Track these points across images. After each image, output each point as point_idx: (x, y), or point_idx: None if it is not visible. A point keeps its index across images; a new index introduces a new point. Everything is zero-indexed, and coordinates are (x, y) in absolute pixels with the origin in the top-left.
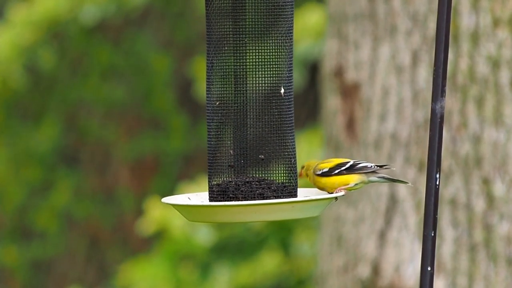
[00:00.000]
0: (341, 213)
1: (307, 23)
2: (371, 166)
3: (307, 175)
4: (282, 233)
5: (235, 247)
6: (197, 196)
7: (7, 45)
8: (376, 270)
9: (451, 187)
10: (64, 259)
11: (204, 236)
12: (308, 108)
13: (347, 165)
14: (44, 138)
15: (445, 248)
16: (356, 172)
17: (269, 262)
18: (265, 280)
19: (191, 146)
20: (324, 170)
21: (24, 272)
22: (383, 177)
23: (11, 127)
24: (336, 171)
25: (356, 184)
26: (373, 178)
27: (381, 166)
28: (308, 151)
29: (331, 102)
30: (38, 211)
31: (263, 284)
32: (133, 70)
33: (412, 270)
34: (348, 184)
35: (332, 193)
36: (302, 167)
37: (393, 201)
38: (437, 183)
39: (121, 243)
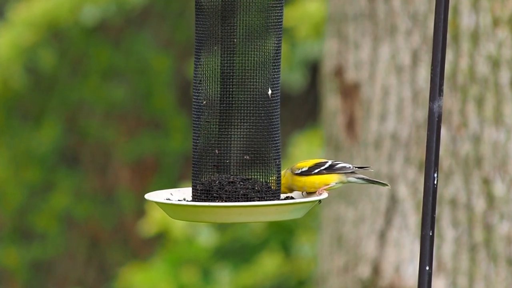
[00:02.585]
0: (341, 213)
1: (306, 10)
2: (350, 167)
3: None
4: (283, 235)
5: (237, 249)
6: (179, 191)
7: (8, 45)
8: (376, 270)
9: (451, 187)
10: (64, 260)
11: (205, 238)
12: (308, 108)
13: (326, 165)
14: (44, 138)
15: (445, 248)
16: (336, 172)
17: (269, 264)
18: (265, 282)
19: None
20: (304, 169)
21: (24, 273)
22: (362, 178)
23: (12, 127)
24: (316, 171)
25: (336, 184)
26: (351, 178)
27: (360, 168)
28: (308, 151)
29: (331, 102)
30: (38, 212)
31: (264, 285)
32: (133, 70)
33: (412, 270)
34: (328, 184)
35: (311, 192)
36: None
37: (393, 201)
38: (435, 182)
39: (121, 244)
